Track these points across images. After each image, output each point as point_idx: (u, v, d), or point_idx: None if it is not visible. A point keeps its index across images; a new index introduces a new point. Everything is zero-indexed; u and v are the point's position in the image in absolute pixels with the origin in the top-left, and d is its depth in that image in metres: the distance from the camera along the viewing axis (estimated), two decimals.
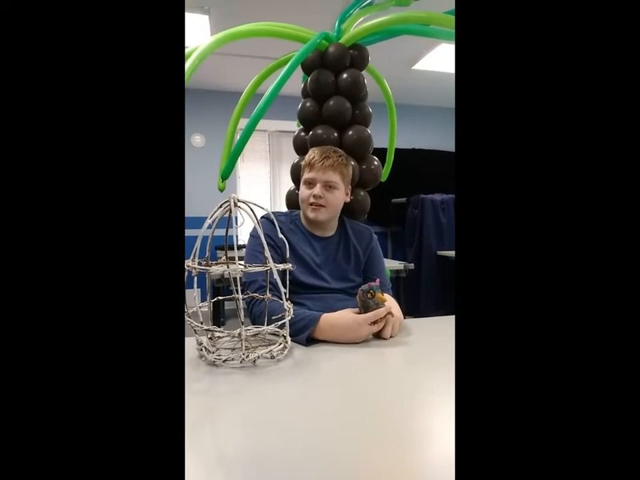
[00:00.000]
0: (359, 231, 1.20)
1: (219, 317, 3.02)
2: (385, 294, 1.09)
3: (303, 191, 1.10)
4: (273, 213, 1.13)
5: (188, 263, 0.73)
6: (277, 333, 0.84)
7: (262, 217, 1.05)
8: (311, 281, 1.07)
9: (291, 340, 0.81)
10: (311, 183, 1.09)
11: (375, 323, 0.85)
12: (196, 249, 0.73)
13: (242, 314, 0.75)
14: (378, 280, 0.90)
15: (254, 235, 1.05)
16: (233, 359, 0.72)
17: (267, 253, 0.74)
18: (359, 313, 0.87)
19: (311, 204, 1.08)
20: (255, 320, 0.94)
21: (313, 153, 1.10)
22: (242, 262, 0.80)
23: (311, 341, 0.85)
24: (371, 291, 0.86)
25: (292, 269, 0.81)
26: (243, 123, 1.50)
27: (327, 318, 0.86)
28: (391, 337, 0.88)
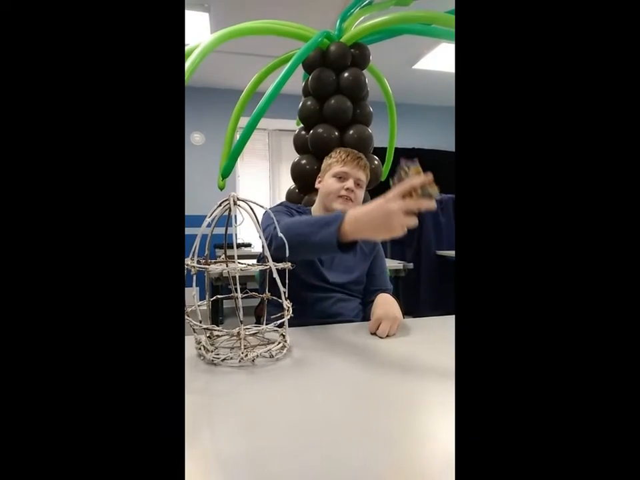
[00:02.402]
0: None
1: (217, 315, 3.02)
2: (385, 293, 1.10)
3: (333, 184, 1.12)
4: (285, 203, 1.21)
5: (187, 261, 0.72)
6: (276, 331, 0.84)
7: (277, 205, 1.14)
8: (313, 281, 1.08)
9: (313, 240, 0.74)
10: (342, 177, 1.12)
11: (409, 198, 0.69)
12: (195, 247, 0.73)
13: (241, 313, 0.75)
14: (416, 160, 0.76)
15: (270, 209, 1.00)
16: (231, 358, 0.72)
17: (266, 252, 0.74)
18: None
19: (341, 196, 1.10)
20: (293, 231, 0.82)
21: (343, 152, 1.15)
22: (241, 261, 0.80)
23: (343, 246, 0.74)
24: (404, 168, 0.71)
25: (291, 267, 0.81)
26: (243, 121, 1.50)
27: (353, 211, 0.76)
28: (387, 336, 0.88)
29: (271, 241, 0.85)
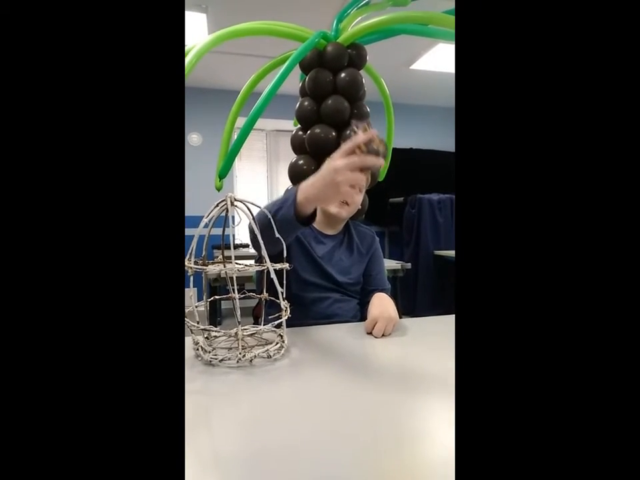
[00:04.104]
0: (363, 232, 1.23)
1: (215, 316, 3.01)
2: (382, 293, 1.10)
3: None
4: None
5: (184, 262, 0.72)
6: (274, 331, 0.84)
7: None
8: (313, 279, 1.08)
9: (277, 219, 0.73)
10: None
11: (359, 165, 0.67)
12: (192, 248, 0.72)
13: (238, 313, 0.75)
14: (368, 120, 0.78)
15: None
16: (229, 359, 0.72)
17: (264, 252, 0.73)
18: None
19: None
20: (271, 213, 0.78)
21: None
22: (238, 261, 0.80)
23: (304, 221, 0.76)
24: (354, 129, 0.69)
25: (289, 268, 0.81)
26: (241, 121, 1.50)
27: (305, 181, 0.76)
28: (383, 335, 0.88)
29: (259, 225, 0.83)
